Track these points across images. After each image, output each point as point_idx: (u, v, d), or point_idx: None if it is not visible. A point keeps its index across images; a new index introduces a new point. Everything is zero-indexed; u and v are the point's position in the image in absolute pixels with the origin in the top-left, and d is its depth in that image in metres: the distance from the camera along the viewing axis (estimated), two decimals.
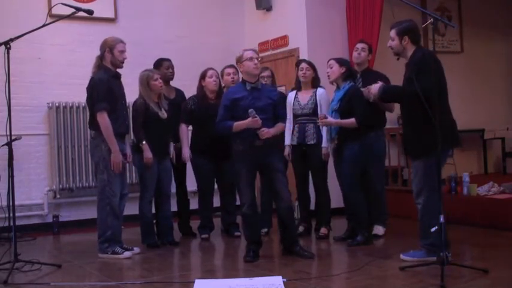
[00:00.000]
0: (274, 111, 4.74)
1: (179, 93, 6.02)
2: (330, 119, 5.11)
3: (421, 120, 4.16)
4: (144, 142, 5.26)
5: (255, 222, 4.77)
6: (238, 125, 4.60)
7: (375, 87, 4.52)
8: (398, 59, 4.46)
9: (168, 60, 5.95)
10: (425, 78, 4.07)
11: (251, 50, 4.77)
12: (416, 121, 4.24)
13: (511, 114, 8.92)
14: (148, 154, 5.25)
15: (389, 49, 4.47)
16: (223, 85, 5.93)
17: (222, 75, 5.93)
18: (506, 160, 8.36)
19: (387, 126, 5.71)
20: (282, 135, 5.24)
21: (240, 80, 4.97)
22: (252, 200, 4.68)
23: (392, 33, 4.39)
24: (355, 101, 5.06)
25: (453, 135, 4.30)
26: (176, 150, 5.68)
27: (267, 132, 4.56)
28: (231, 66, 5.96)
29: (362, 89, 5.23)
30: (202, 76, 5.72)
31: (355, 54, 5.58)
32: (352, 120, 5.04)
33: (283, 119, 4.85)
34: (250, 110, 4.55)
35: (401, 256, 4.42)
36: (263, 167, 4.69)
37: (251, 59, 4.66)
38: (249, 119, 4.55)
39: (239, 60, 4.77)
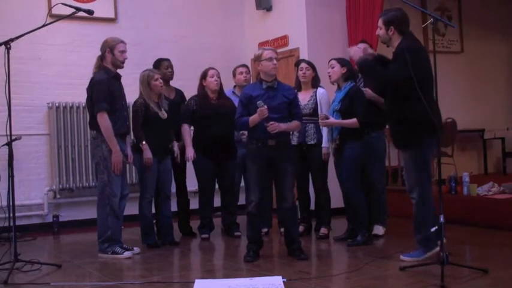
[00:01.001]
0: (290, 110, 4.72)
1: (179, 93, 6.02)
2: (331, 120, 5.11)
3: (403, 112, 4.20)
4: (144, 142, 5.26)
5: (258, 222, 4.78)
6: (252, 119, 4.61)
7: (356, 53, 4.45)
8: (388, 46, 4.45)
9: (167, 60, 5.96)
10: (396, 67, 4.09)
11: (270, 50, 4.74)
12: (398, 113, 4.25)
13: (511, 114, 8.92)
14: (148, 154, 5.25)
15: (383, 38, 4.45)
16: (234, 84, 5.94)
17: (234, 74, 5.95)
18: (506, 160, 8.37)
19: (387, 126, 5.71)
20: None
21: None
22: (259, 200, 4.66)
23: (380, 22, 4.37)
24: (356, 101, 5.07)
25: (433, 122, 4.13)
26: (179, 149, 5.67)
27: (277, 126, 4.53)
28: (243, 65, 6.03)
29: (363, 89, 5.24)
30: (203, 76, 5.71)
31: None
32: (354, 120, 5.04)
33: (299, 117, 4.81)
34: (258, 102, 4.56)
35: (401, 257, 4.42)
36: (273, 167, 4.69)
37: (270, 59, 4.64)
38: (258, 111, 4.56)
39: (258, 58, 4.72)
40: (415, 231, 4.38)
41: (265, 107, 4.53)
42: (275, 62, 4.66)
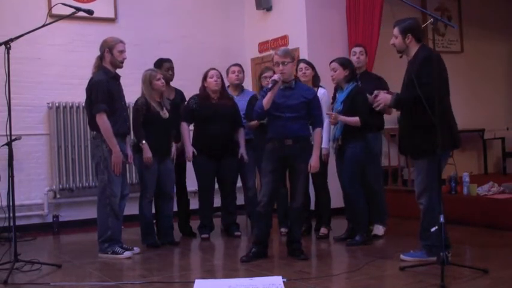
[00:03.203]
0: (308, 110, 4.70)
1: (179, 93, 6.02)
2: (338, 116, 5.12)
3: (423, 121, 4.16)
4: (144, 142, 5.26)
5: (265, 222, 4.73)
6: (267, 98, 4.59)
7: (386, 98, 4.44)
8: (401, 56, 4.44)
9: (169, 61, 5.94)
10: (429, 81, 4.06)
11: (276, 55, 4.69)
12: (418, 121, 4.23)
13: (511, 114, 8.92)
14: (147, 153, 5.24)
15: (392, 46, 4.42)
16: (227, 83, 5.93)
17: (228, 73, 5.94)
18: (506, 160, 8.36)
19: (387, 126, 5.71)
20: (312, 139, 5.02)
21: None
22: (270, 200, 4.65)
23: (396, 31, 4.36)
24: (359, 100, 5.07)
25: (454, 136, 4.30)
26: (177, 151, 5.66)
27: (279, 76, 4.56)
28: (237, 64, 6.02)
29: (368, 96, 5.24)
30: (204, 77, 5.72)
31: (353, 58, 5.52)
32: (357, 118, 5.04)
33: (318, 119, 4.78)
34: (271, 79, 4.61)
35: (401, 256, 4.42)
36: (289, 166, 4.69)
37: (277, 63, 4.66)
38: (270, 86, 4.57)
39: (272, 61, 4.81)
40: (420, 237, 4.38)
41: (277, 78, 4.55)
42: (281, 67, 4.61)
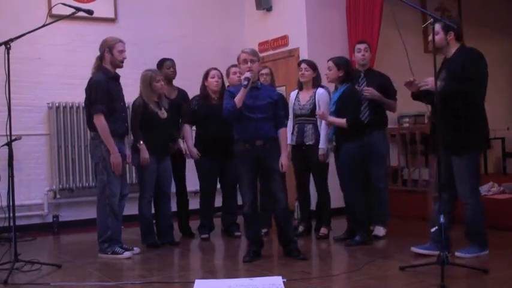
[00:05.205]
0: (275, 111, 4.73)
1: (181, 93, 6.00)
2: (327, 116, 5.13)
3: (469, 116, 4.22)
4: (141, 142, 5.25)
5: (255, 222, 4.77)
6: (240, 96, 4.57)
7: (433, 83, 4.35)
8: (435, 54, 4.38)
9: (170, 59, 5.94)
10: (475, 78, 4.13)
11: (245, 53, 4.71)
12: (467, 117, 4.23)
13: (511, 114, 8.91)
14: (144, 154, 5.24)
15: (430, 44, 4.37)
16: (227, 84, 5.94)
17: (228, 75, 5.93)
18: (506, 160, 8.36)
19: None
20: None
21: None
22: (253, 199, 4.68)
23: (438, 27, 4.35)
24: (348, 101, 5.07)
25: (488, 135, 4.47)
26: (176, 151, 5.67)
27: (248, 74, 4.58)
28: (237, 65, 6.00)
29: (365, 89, 5.24)
30: (205, 76, 5.73)
31: (358, 55, 5.52)
32: (343, 120, 5.04)
33: (281, 120, 4.81)
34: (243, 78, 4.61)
35: (457, 253, 4.37)
36: (261, 167, 4.69)
37: (244, 61, 4.67)
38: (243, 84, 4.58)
39: (237, 59, 4.81)
40: (470, 234, 4.44)
41: (248, 75, 4.57)
42: (249, 64, 4.63)
